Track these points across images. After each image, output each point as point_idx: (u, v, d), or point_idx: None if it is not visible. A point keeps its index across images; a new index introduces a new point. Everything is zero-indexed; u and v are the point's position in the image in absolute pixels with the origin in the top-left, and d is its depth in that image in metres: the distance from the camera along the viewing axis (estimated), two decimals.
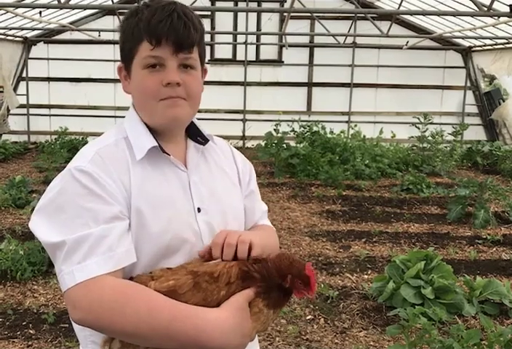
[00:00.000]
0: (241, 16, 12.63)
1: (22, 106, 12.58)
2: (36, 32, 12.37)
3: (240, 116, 12.97)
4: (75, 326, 1.43)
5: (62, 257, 1.28)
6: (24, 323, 4.26)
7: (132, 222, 1.35)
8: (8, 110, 12.36)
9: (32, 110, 12.76)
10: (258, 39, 12.86)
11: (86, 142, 7.85)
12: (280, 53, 13.01)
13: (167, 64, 1.39)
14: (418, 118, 10.87)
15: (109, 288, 1.24)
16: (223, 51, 12.89)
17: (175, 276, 1.32)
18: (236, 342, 1.27)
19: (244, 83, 12.83)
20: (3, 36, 11.41)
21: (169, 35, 1.37)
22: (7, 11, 9.27)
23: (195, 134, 1.57)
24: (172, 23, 1.37)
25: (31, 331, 4.13)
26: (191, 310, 1.25)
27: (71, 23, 11.51)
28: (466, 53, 12.75)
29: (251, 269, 1.35)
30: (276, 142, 10.42)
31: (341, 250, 6.10)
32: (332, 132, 11.27)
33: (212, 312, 1.26)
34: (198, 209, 1.47)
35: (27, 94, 12.59)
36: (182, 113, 1.44)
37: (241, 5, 12.30)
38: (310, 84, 13.02)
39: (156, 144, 1.43)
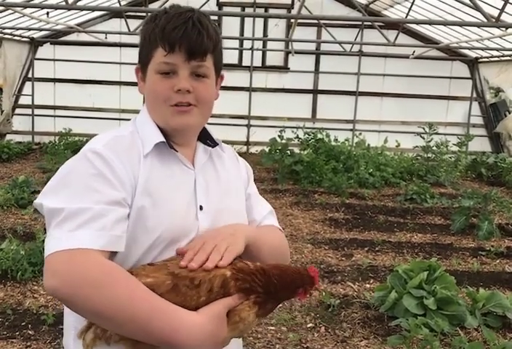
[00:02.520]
0: (248, 21, 12.64)
1: (26, 106, 12.61)
2: (42, 33, 12.37)
3: (244, 122, 12.97)
4: (65, 310, 1.43)
5: (55, 223, 1.26)
6: (23, 324, 4.24)
7: (132, 212, 1.36)
8: (13, 109, 12.37)
9: (37, 111, 12.75)
10: (264, 45, 12.86)
11: None
12: (286, 59, 13.00)
13: (179, 71, 1.43)
14: (423, 128, 10.86)
15: (97, 264, 1.22)
16: (229, 57, 12.86)
17: (155, 274, 1.30)
18: (206, 348, 1.26)
19: (250, 89, 12.83)
20: (10, 36, 11.43)
21: (182, 43, 1.41)
22: (15, 12, 9.29)
23: (204, 137, 1.60)
24: (186, 31, 1.40)
25: (30, 332, 4.11)
26: (171, 308, 1.25)
27: (78, 25, 11.51)
28: (473, 64, 12.73)
29: (253, 285, 1.33)
30: (280, 148, 10.43)
31: (343, 258, 6.07)
32: (336, 140, 11.24)
33: (190, 315, 1.26)
34: (201, 207, 1.47)
35: (32, 95, 12.58)
36: (193, 120, 1.48)
37: (248, 10, 12.32)
38: (315, 91, 13.01)
39: (163, 139, 1.46)
